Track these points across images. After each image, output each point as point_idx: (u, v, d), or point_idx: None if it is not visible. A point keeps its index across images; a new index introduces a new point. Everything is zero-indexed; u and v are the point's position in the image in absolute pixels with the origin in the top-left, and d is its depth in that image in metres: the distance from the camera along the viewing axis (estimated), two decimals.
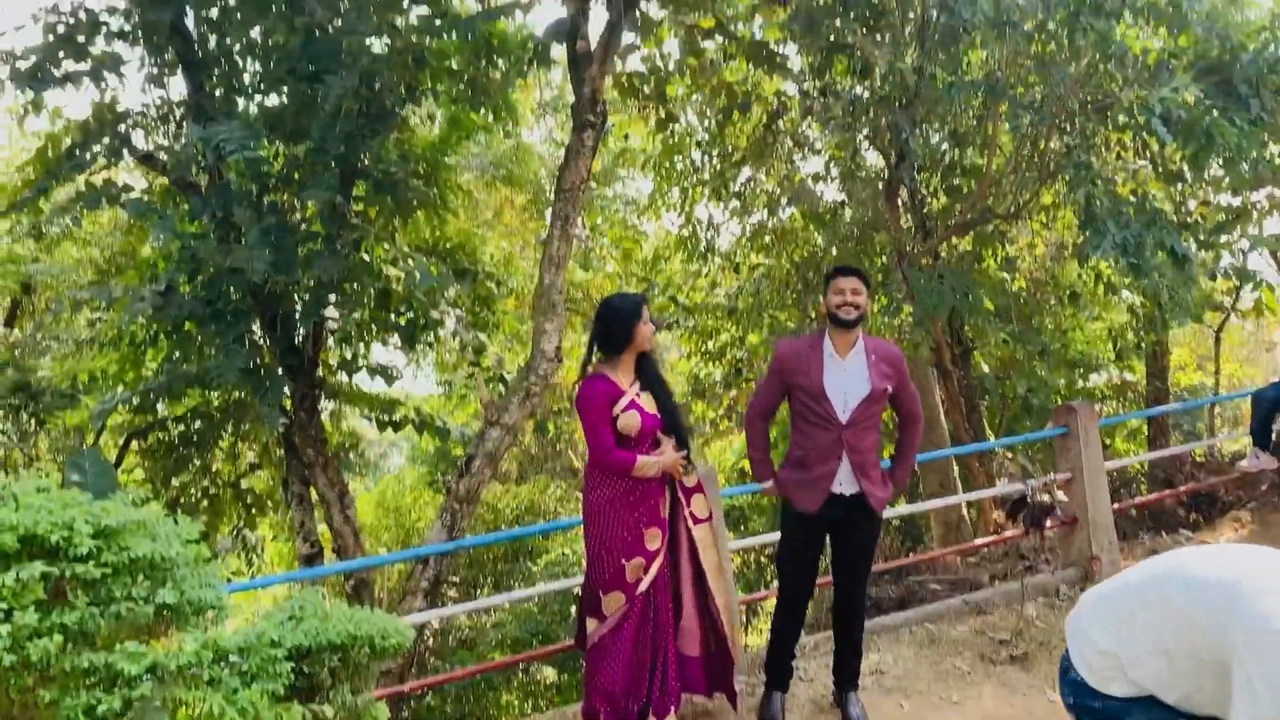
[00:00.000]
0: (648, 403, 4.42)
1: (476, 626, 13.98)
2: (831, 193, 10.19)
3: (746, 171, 10.28)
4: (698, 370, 15.40)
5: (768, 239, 10.94)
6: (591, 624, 4.41)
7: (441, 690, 11.17)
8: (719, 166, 9.84)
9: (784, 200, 10.28)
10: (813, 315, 10.37)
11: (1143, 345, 11.02)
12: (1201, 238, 8.16)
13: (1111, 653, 2.56)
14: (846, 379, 4.39)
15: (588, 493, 4.44)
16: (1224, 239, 9.57)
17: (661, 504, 4.45)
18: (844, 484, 4.40)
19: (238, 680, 3.55)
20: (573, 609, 11.09)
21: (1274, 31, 7.01)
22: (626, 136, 11.82)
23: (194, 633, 3.60)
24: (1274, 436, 6.78)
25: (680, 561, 4.54)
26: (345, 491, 7.91)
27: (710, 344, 14.46)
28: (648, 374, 4.50)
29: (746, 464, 4.76)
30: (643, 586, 4.35)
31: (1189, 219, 8.36)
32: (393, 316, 8.21)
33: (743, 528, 14.86)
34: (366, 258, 7.94)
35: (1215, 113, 6.39)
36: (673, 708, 4.42)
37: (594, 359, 4.51)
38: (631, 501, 4.35)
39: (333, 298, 7.28)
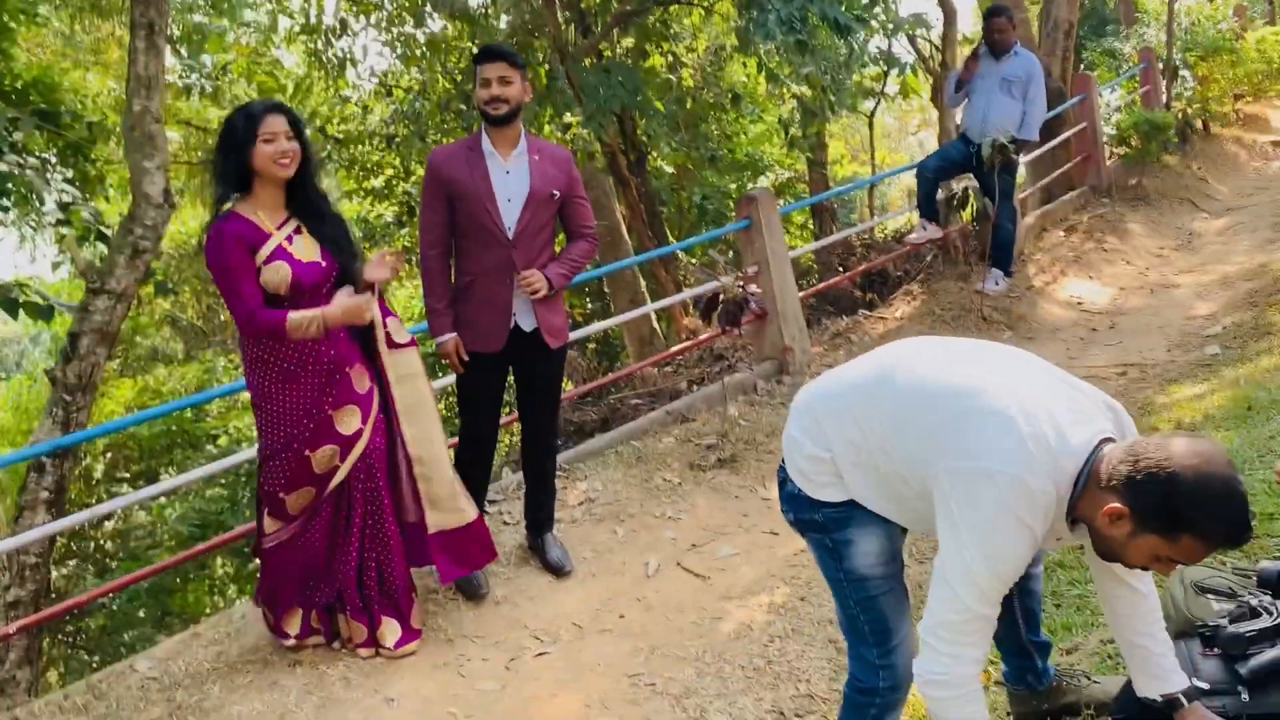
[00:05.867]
0: (305, 248, 3.29)
1: (160, 518, 12.56)
2: None
3: None
4: (365, 212, 14.13)
5: (419, 52, 9.79)
6: (273, 524, 3.46)
7: (135, 588, 9.84)
8: None
9: (428, 7, 9.13)
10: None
11: (806, 138, 11.17)
12: (856, 12, 8.06)
13: (822, 457, 2.19)
14: (509, 182, 3.75)
15: (248, 372, 3.37)
16: (871, 21, 9.67)
17: (354, 373, 3.44)
18: (521, 316, 3.84)
19: None
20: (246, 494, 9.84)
21: None
22: None
23: None
24: (938, 207, 6.97)
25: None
26: None
27: (374, 180, 13.24)
28: (307, 208, 3.34)
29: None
30: (339, 476, 3.43)
31: None
32: None
33: (437, 371, 14.20)
34: None
35: None
36: (395, 621, 3.60)
37: (231, 199, 3.26)
38: (307, 375, 3.32)
39: None
